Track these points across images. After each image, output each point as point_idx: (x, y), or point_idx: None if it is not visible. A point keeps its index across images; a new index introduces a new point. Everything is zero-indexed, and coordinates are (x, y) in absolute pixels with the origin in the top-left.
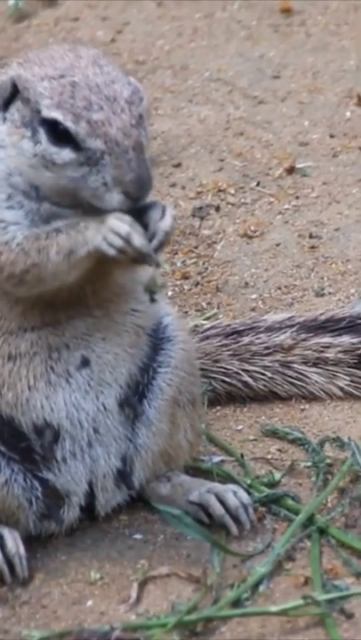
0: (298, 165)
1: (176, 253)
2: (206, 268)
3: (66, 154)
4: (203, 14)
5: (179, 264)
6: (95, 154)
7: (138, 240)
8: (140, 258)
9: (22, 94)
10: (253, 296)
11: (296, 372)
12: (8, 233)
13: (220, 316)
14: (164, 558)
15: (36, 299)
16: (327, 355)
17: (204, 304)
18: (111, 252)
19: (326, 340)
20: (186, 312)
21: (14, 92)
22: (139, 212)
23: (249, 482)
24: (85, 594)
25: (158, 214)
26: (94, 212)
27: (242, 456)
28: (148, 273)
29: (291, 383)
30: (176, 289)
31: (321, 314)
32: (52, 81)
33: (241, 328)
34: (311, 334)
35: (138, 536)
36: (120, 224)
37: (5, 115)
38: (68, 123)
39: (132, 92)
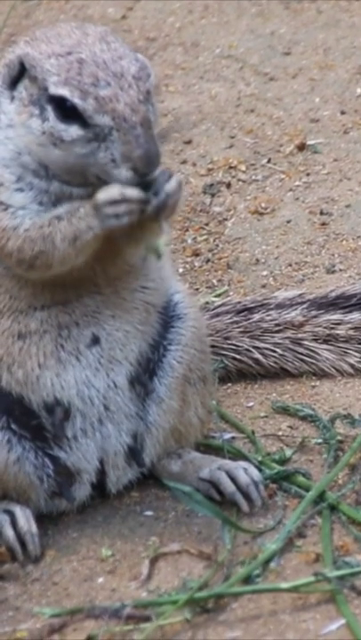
0: (309, 142)
1: (187, 230)
2: (217, 245)
3: (74, 130)
4: None
5: (189, 241)
6: (103, 130)
7: (133, 192)
8: (150, 210)
9: (30, 72)
10: (264, 273)
11: (307, 348)
12: (17, 218)
13: (231, 293)
14: (175, 535)
15: (45, 279)
16: (338, 332)
17: (214, 281)
18: (124, 220)
19: (337, 316)
20: (196, 289)
21: (22, 71)
22: (146, 187)
23: (260, 459)
24: (96, 571)
25: (165, 178)
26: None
27: (253, 433)
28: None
29: (301, 360)
30: (187, 266)
31: (332, 291)
32: (60, 58)
33: (252, 305)
34: (322, 311)
35: (149, 513)
36: (108, 192)
37: (13, 93)
38: (76, 99)
39: (140, 68)
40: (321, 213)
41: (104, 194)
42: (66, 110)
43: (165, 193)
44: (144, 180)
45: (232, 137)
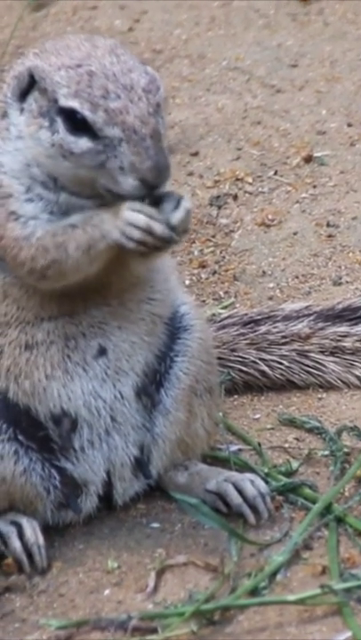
0: (315, 154)
1: (193, 242)
2: (224, 257)
3: (83, 143)
4: (220, 3)
5: (196, 253)
6: (112, 142)
7: (159, 228)
8: (162, 245)
9: (39, 84)
10: (271, 285)
11: (313, 361)
12: (28, 228)
13: (238, 305)
14: (182, 547)
15: (55, 289)
16: (344, 344)
17: (221, 293)
18: (131, 245)
19: (344, 329)
20: (203, 301)
21: (31, 83)
22: (155, 201)
23: (266, 471)
24: (103, 583)
25: (172, 205)
26: (113, 202)
27: (259, 445)
28: None
29: (308, 372)
30: (193, 278)
31: (338, 303)
32: (69, 70)
33: (258, 317)
34: (328, 323)
35: (155, 525)
36: (137, 216)
37: (23, 105)
38: (86, 111)
39: (149, 80)
40: (328, 225)
41: (132, 214)
42: (76, 122)
43: (180, 231)
44: (152, 194)
45: (239, 149)
